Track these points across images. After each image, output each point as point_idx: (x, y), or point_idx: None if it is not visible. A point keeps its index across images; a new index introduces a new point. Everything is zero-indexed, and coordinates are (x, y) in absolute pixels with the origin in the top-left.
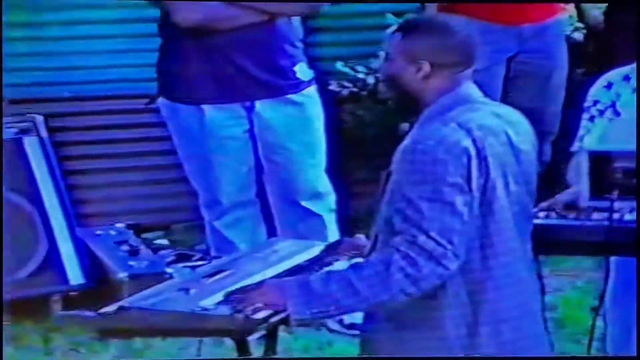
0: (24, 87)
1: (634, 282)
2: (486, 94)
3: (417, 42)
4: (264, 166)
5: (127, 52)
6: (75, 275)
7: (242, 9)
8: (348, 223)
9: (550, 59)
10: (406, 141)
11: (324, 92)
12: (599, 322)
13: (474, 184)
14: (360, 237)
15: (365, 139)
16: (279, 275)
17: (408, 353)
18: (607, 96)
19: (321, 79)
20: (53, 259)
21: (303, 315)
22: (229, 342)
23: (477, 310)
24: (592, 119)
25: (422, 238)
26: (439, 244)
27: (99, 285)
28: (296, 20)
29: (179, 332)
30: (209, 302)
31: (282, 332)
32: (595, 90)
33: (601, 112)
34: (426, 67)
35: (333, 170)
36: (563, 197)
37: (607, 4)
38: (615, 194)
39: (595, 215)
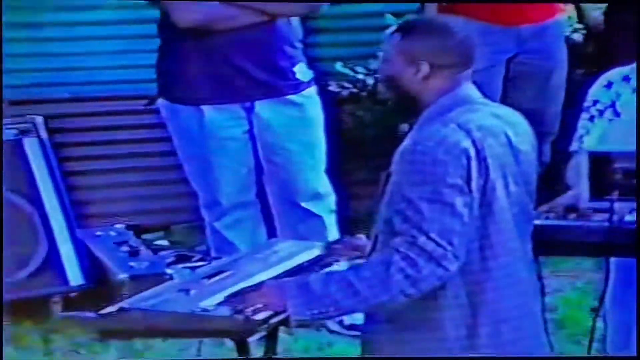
0: (23, 88)
1: (633, 283)
2: (486, 94)
3: (416, 42)
4: (264, 167)
5: (126, 53)
6: (75, 276)
7: (242, 9)
8: (348, 224)
9: (549, 60)
10: (406, 142)
11: (323, 93)
12: (599, 323)
13: (474, 184)
14: (361, 237)
15: (365, 140)
16: (279, 276)
17: (408, 354)
18: (607, 96)
19: (321, 79)
20: (53, 260)
21: (303, 316)
22: (229, 343)
23: (476, 311)
24: (591, 118)
25: (422, 239)
26: (439, 245)
27: (99, 286)
28: (295, 21)
29: (179, 333)
30: (209, 303)
31: (282, 333)
32: (595, 89)
33: (601, 112)
34: (425, 68)
35: (333, 171)
36: (563, 200)
37: (606, 5)
38: (615, 195)
39: (595, 216)
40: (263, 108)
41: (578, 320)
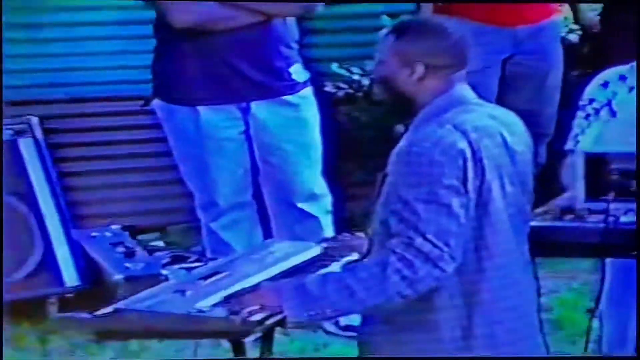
0: (19, 89)
1: (629, 283)
2: (481, 95)
3: (410, 44)
4: (260, 168)
5: (122, 53)
6: (71, 277)
7: (237, 10)
8: (344, 224)
9: (545, 61)
10: (402, 143)
11: (319, 94)
12: (595, 324)
13: (470, 185)
14: (361, 236)
15: (361, 141)
16: (275, 277)
17: (404, 355)
18: (603, 95)
19: (317, 80)
20: (49, 261)
21: (299, 318)
22: (225, 344)
23: (472, 311)
24: (587, 117)
25: (418, 240)
26: (435, 246)
27: (94, 287)
28: (291, 22)
29: (175, 334)
30: (205, 304)
31: (278, 334)
32: (591, 88)
33: (597, 111)
34: (420, 69)
35: (329, 172)
36: (559, 201)
37: (602, 5)
38: (611, 195)
39: (591, 218)
40: (259, 109)
41: (574, 321)
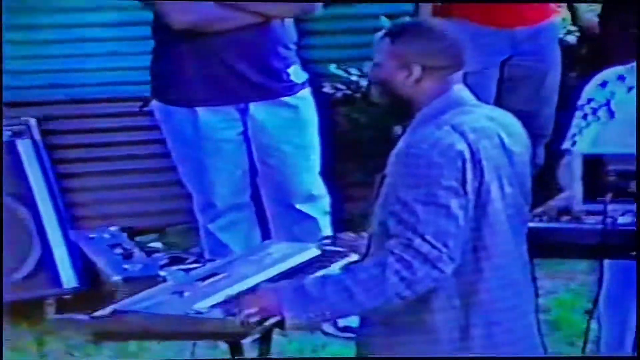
0: (17, 90)
1: (627, 284)
2: (480, 97)
3: (406, 46)
4: (258, 169)
5: (121, 55)
6: (68, 278)
7: (235, 11)
8: (342, 225)
9: (543, 62)
10: (400, 144)
11: (317, 95)
12: (593, 325)
13: (469, 186)
14: (363, 236)
15: (359, 142)
16: (273, 278)
17: (401, 355)
18: (602, 94)
19: (315, 81)
20: (46, 262)
21: (299, 320)
22: (223, 345)
23: (469, 312)
24: (585, 117)
25: (417, 241)
26: (434, 247)
27: (92, 288)
28: (290, 23)
29: (173, 335)
30: (203, 305)
31: (276, 335)
32: (590, 88)
33: (594, 110)
34: (417, 71)
35: (327, 173)
36: (557, 202)
37: (601, 6)
38: (608, 197)
39: (589, 219)
40: (257, 110)
41: (572, 322)
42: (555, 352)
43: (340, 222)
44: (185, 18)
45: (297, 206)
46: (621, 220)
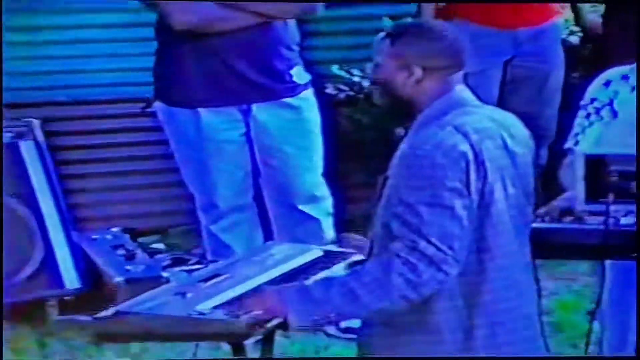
0: (20, 91)
1: (629, 285)
2: (482, 97)
3: (407, 47)
4: (261, 170)
5: (123, 56)
6: (71, 279)
7: (238, 11)
8: (345, 227)
9: (546, 63)
10: (402, 146)
11: (320, 96)
12: (596, 326)
13: (473, 187)
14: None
15: (361, 143)
16: (275, 279)
17: (404, 356)
18: (605, 94)
19: (317, 82)
20: (49, 263)
21: (304, 322)
22: (225, 346)
23: (473, 313)
24: (588, 116)
25: (422, 243)
26: (439, 249)
27: (95, 289)
28: (292, 24)
29: (175, 336)
30: (205, 306)
31: (278, 336)
32: (594, 88)
33: (597, 110)
34: (418, 72)
35: (330, 174)
36: (559, 202)
37: (604, 7)
38: (610, 197)
39: (591, 219)
40: (260, 111)
41: (574, 323)
42: (557, 353)
43: (343, 223)
44: (187, 19)
45: (300, 207)
46: (624, 220)
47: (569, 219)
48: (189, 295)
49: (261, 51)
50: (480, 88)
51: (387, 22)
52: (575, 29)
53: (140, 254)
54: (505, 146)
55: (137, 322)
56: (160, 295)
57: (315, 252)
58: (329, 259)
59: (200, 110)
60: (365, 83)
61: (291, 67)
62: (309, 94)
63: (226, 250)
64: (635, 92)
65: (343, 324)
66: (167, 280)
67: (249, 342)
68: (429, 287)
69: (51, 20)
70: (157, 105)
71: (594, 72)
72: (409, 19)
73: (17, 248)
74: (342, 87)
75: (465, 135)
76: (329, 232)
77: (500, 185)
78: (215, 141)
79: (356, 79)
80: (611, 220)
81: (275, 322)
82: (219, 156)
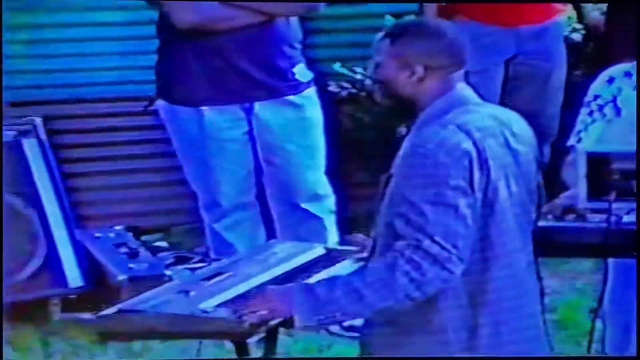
0: (22, 90)
1: (631, 283)
2: (485, 96)
3: (407, 46)
4: (264, 168)
5: (125, 54)
6: (74, 277)
7: (240, 9)
8: (348, 225)
9: (548, 61)
10: (405, 144)
11: (323, 94)
12: (598, 324)
13: (476, 186)
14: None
15: (364, 141)
16: (278, 278)
17: (407, 356)
18: (608, 91)
19: (320, 80)
20: (52, 262)
21: (309, 323)
22: (228, 344)
23: (477, 312)
24: (591, 113)
25: (426, 242)
26: (443, 248)
27: (98, 288)
28: (294, 22)
29: (178, 334)
30: (208, 304)
31: (282, 335)
32: (597, 85)
33: (600, 107)
34: (420, 70)
35: (332, 172)
36: (561, 200)
37: (606, 5)
38: (613, 195)
39: (593, 217)
40: (262, 109)
41: (577, 321)
42: (561, 351)
43: (346, 221)
44: (189, 17)
45: (303, 205)
46: (626, 218)
47: (571, 217)
48: (192, 293)
49: (263, 49)
50: (482, 86)
51: (389, 20)
52: (578, 26)
53: (143, 252)
54: (508, 144)
55: (140, 321)
56: (163, 293)
57: (318, 251)
58: (331, 257)
59: (203, 108)
60: (368, 81)
61: (293, 65)
62: (311, 92)
63: (229, 248)
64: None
65: (346, 323)
66: (170, 279)
67: (252, 340)
68: (433, 286)
69: (52, 19)
70: (159, 103)
71: (596, 69)
72: (411, 18)
73: (20, 246)
74: (345, 84)
75: (468, 134)
76: (332, 231)
77: (503, 183)
78: (217, 139)
79: (358, 76)
80: (613, 218)
81: (277, 320)
82: (221, 154)
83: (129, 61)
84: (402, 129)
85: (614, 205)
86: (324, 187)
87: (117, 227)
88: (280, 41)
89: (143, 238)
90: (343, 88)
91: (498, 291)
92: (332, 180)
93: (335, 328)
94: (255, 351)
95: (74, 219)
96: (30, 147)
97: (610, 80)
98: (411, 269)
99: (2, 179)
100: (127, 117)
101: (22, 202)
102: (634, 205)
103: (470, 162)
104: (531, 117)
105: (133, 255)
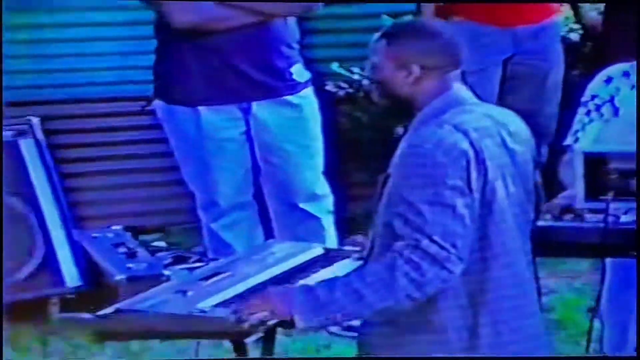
0: (20, 90)
1: (629, 283)
2: (482, 96)
3: (404, 46)
4: (261, 168)
5: (123, 54)
6: (72, 277)
7: (237, 9)
8: (346, 225)
9: (546, 61)
10: (402, 144)
11: (320, 94)
12: (596, 323)
13: (474, 185)
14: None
15: (362, 141)
16: (276, 277)
17: (407, 356)
18: (606, 91)
19: (318, 80)
20: (50, 262)
21: (310, 324)
22: (226, 344)
23: (477, 311)
24: (588, 113)
25: (425, 242)
26: (442, 247)
27: (96, 287)
28: (292, 22)
29: (176, 334)
30: (206, 304)
31: (280, 335)
32: (594, 84)
33: (598, 107)
34: (416, 70)
35: (330, 172)
36: (559, 200)
37: (604, 4)
38: (610, 195)
39: (591, 217)
40: (260, 109)
41: (575, 320)
42: (558, 351)
43: (344, 221)
44: (187, 17)
45: (301, 205)
46: (624, 218)
47: (569, 216)
48: (190, 293)
49: (261, 49)
50: (480, 86)
51: (387, 20)
52: (575, 26)
53: (141, 252)
54: (505, 144)
55: (138, 320)
56: (161, 293)
57: (316, 251)
58: (329, 257)
59: (201, 108)
60: (365, 81)
61: (291, 65)
62: (309, 91)
63: (227, 248)
64: (635, 90)
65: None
66: (168, 278)
67: (250, 340)
68: (433, 286)
69: (51, 19)
70: (157, 103)
71: (593, 69)
72: (407, 18)
73: (18, 246)
74: (342, 84)
75: (465, 134)
76: (330, 230)
77: (501, 183)
78: (215, 139)
79: (356, 76)
80: (611, 218)
81: (276, 320)
82: (219, 154)
83: (126, 61)
84: (400, 129)
85: (612, 205)
86: (322, 187)
87: (115, 227)
88: (277, 41)
89: (141, 238)
90: (340, 88)
91: (498, 291)
92: (330, 180)
93: (333, 328)
94: (253, 351)
95: (72, 219)
96: (27, 147)
97: (608, 80)
98: (410, 269)
99: (1, 179)
100: (125, 117)
101: (20, 202)
102: (631, 205)
103: (468, 162)
104: (529, 117)
105: (131, 255)
